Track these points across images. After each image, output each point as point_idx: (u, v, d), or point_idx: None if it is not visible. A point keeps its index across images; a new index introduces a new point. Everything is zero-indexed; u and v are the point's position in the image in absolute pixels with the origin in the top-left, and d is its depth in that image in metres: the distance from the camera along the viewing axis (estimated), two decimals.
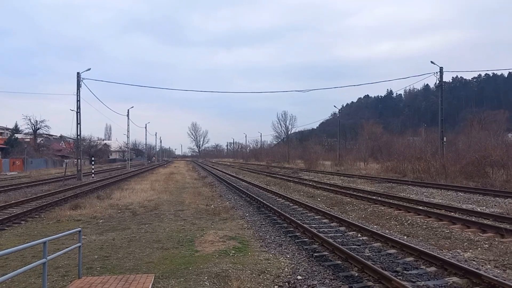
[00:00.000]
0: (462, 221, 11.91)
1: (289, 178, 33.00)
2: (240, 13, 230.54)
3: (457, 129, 55.20)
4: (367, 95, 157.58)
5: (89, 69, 35.51)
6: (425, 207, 14.90)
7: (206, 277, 7.02)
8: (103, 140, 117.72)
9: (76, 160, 40.33)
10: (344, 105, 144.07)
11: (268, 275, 7.17)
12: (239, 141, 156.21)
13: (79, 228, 7.43)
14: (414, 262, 7.89)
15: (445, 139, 32.58)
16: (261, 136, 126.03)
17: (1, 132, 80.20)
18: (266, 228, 12.01)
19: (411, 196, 19.09)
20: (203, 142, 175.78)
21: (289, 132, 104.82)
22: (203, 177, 39.14)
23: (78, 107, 35.43)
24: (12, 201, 18.06)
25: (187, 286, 6.66)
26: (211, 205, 16.93)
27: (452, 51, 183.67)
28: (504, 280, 6.36)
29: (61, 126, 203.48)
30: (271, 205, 15.90)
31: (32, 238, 10.44)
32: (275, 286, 6.67)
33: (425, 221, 12.44)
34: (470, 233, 10.58)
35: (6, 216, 13.97)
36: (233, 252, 8.87)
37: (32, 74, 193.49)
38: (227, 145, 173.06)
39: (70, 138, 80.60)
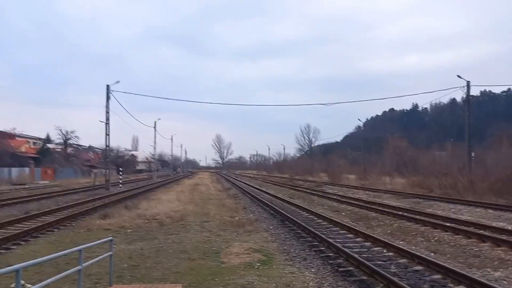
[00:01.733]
0: (492, 239, 11.63)
1: (313, 192, 32.86)
2: (265, 25, 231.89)
3: (485, 144, 53.50)
4: (392, 108, 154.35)
5: (118, 82, 36.33)
6: (453, 224, 14.60)
7: None
8: (130, 151, 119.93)
9: (104, 170, 41.40)
10: (368, 118, 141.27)
11: None
12: (262, 153, 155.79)
13: (111, 237, 7.70)
14: (441, 279, 7.79)
15: (473, 155, 31.83)
16: (284, 148, 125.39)
17: (34, 142, 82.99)
18: (291, 242, 12.06)
19: (438, 212, 18.74)
20: (226, 154, 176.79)
21: (312, 145, 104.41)
22: (227, 189, 39.43)
23: (107, 119, 36.54)
24: (45, 209, 18.74)
25: None
26: (235, 217, 17.09)
27: (481, 65, 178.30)
28: None
29: (89, 136, 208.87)
30: (295, 219, 15.92)
31: (65, 246, 10.81)
32: None
33: (453, 238, 12.23)
34: (500, 252, 10.35)
35: (40, 223, 14.54)
36: (258, 264, 8.98)
37: (62, 85, 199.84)
38: (250, 157, 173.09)
39: (99, 149, 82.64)
